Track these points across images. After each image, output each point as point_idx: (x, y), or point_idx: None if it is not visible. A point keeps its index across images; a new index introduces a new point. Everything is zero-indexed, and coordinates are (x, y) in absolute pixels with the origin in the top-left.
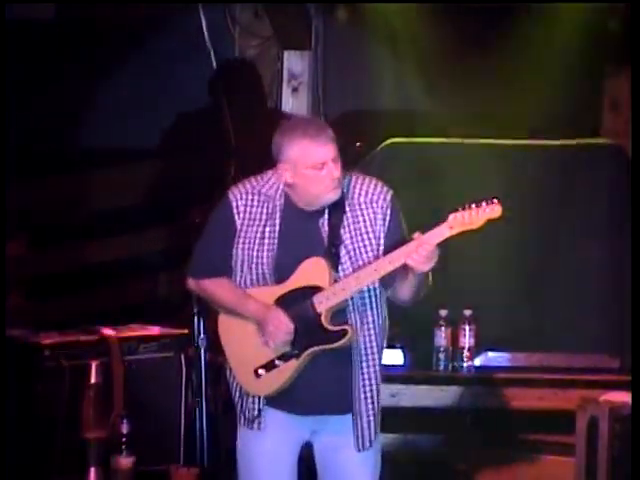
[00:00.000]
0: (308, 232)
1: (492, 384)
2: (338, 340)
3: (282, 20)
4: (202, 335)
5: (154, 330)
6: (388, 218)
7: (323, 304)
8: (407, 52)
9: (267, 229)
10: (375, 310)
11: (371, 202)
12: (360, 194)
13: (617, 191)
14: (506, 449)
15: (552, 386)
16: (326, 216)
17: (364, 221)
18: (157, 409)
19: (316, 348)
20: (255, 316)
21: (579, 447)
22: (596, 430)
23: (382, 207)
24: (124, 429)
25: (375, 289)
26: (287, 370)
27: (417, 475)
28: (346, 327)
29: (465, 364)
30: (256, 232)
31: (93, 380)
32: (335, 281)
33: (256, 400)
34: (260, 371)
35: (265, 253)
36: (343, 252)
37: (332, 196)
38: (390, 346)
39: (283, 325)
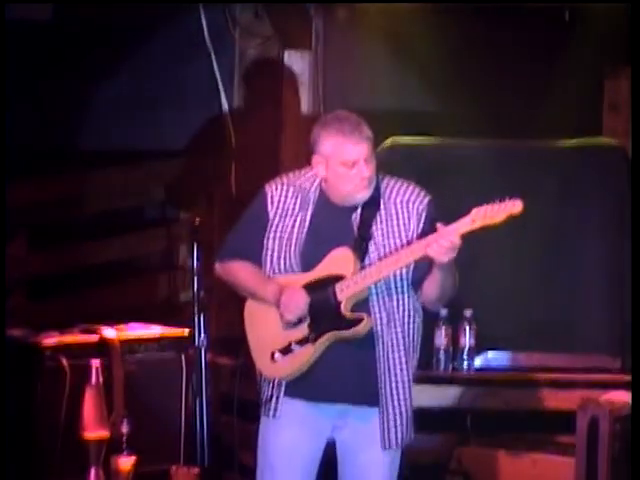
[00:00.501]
0: (339, 226)
1: (492, 384)
2: (353, 327)
3: (282, 20)
4: (203, 335)
5: (155, 330)
6: (423, 220)
7: (344, 292)
8: (408, 52)
9: (298, 220)
10: (402, 306)
11: (407, 203)
12: (398, 195)
13: (617, 191)
14: (506, 449)
15: (552, 386)
16: (359, 212)
17: (397, 220)
18: (157, 409)
19: (332, 334)
20: (274, 296)
21: (579, 447)
22: (596, 430)
23: (418, 209)
24: (124, 429)
25: (402, 286)
26: (303, 355)
27: (416, 475)
28: (363, 315)
29: (465, 364)
30: (288, 223)
31: (93, 380)
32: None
33: (272, 385)
34: (276, 355)
35: (294, 242)
36: (372, 248)
37: (362, 196)
38: None
39: (297, 295)
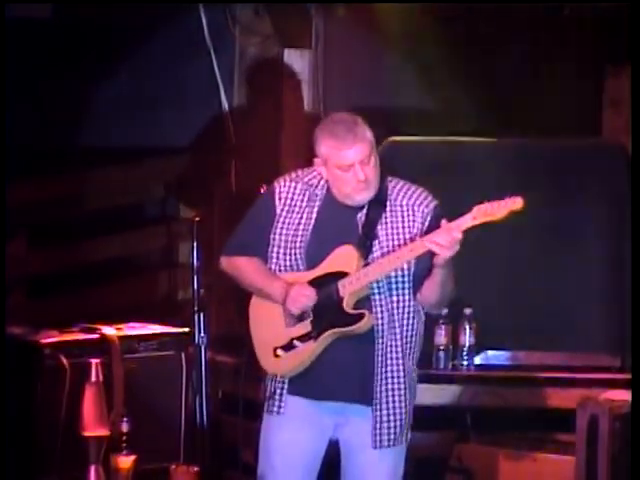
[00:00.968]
0: (344, 224)
1: (492, 383)
2: (354, 323)
3: (282, 18)
4: (202, 333)
5: (154, 328)
6: (427, 224)
7: (346, 288)
8: (408, 50)
9: (304, 217)
10: (402, 307)
11: (413, 206)
12: (404, 197)
13: (617, 190)
14: (506, 447)
15: (552, 385)
16: (365, 211)
17: (402, 222)
18: (157, 408)
19: (333, 331)
20: (279, 292)
21: (579, 445)
22: (596, 428)
23: (423, 212)
24: (124, 428)
25: (404, 287)
26: (305, 352)
27: (416, 473)
28: (364, 311)
29: (465, 362)
30: (294, 220)
31: (93, 379)
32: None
33: (275, 382)
34: (279, 351)
35: (299, 239)
36: (376, 247)
37: (361, 198)
38: None
39: (305, 289)
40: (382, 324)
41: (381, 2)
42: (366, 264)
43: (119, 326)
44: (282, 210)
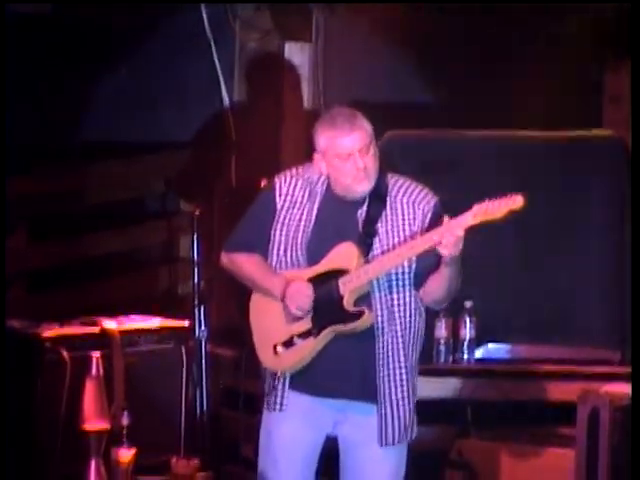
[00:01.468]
0: (344, 220)
1: (493, 376)
2: (354, 320)
3: (283, 13)
4: (203, 327)
5: (155, 322)
6: (428, 221)
7: (346, 286)
8: (408, 45)
9: (305, 212)
10: (402, 304)
11: (413, 203)
12: (404, 194)
13: (617, 184)
14: (507, 441)
15: (553, 378)
16: (365, 207)
17: (402, 219)
18: (158, 401)
19: (333, 327)
20: (279, 288)
21: (580, 438)
22: (597, 421)
23: (424, 210)
24: (125, 421)
25: (404, 284)
26: (305, 348)
27: (416, 467)
28: (364, 309)
29: (466, 356)
30: (294, 216)
31: (94, 372)
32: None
33: (276, 378)
34: (279, 348)
35: (300, 235)
36: (377, 244)
37: (362, 188)
38: None
39: (303, 287)
40: (382, 322)
41: (381, 2)
42: (366, 261)
43: (120, 319)
44: (282, 206)
